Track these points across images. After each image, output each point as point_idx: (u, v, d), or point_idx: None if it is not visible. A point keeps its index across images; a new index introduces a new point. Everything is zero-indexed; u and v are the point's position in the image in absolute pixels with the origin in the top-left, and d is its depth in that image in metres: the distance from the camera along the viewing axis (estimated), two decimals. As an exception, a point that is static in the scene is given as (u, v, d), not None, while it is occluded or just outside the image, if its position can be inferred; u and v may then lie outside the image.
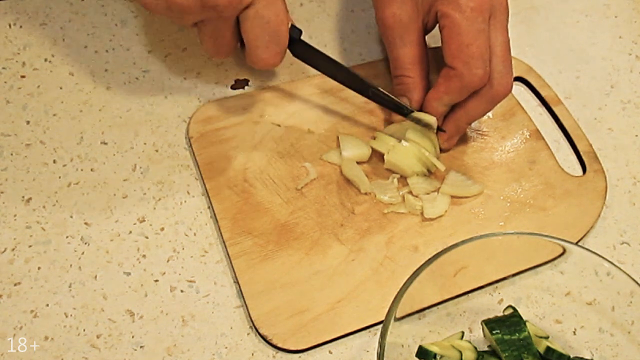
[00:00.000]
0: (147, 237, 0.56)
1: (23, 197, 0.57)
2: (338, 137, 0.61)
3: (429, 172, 0.60)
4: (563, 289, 0.55)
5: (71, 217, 0.56)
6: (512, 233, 0.53)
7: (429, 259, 0.49)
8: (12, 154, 0.59)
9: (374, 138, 0.61)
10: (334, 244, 0.56)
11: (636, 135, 0.66)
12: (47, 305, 0.52)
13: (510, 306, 0.52)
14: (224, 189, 0.57)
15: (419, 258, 0.55)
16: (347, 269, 0.55)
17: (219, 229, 0.56)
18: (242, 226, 0.56)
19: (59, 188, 0.57)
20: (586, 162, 0.63)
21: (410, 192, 0.59)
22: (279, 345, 0.51)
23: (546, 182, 0.61)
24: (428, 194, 0.58)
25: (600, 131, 0.66)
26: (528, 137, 0.63)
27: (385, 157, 0.59)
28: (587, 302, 0.54)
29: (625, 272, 0.50)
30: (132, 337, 0.52)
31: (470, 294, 0.55)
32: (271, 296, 0.53)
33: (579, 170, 0.63)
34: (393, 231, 0.57)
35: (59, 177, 0.58)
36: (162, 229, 0.56)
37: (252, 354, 0.52)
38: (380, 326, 0.47)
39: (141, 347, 0.51)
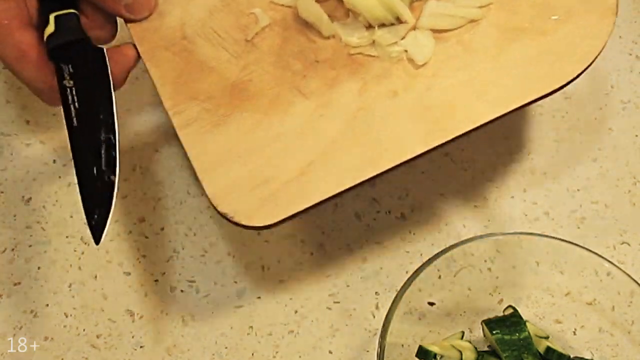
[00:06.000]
0: (147, 237, 0.56)
1: (23, 197, 0.57)
2: None
3: (398, 21, 0.50)
4: (563, 289, 0.55)
5: (71, 217, 0.56)
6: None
7: (429, 259, 0.49)
8: (12, 154, 0.59)
9: None
10: (296, 100, 0.48)
11: (636, 135, 0.66)
12: (47, 305, 0.52)
13: (510, 306, 0.52)
14: (160, 51, 0.49)
15: (399, 104, 0.48)
16: (315, 127, 0.48)
17: (160, 97, 0.49)
18: (186, 91, 0.48)
19: (59, 188, 0.57)
20: None
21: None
22: (243, 222, 0.45)
23: (544, 1, 0.51)
24: (392, 44, 0.50)
25: (600, 131, 0.66)
26: None
27: None
28: (587, 302, 0.54)
29: (625, 272, 0.50)
30: (132, 337, 0.52)
31: (470, 295, 0.55)
32: (228, 168, 0.46)
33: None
34: (366, 77, 0.49)
35: (59, 177, 0.58)
36: (162, 229, 0.56)
37: (252, 354, 0.52)
38: (352, 192, 0.44)
39: (141, 347, 0.51)
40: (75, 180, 0.58)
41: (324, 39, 0.50)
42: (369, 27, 0.50)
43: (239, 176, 0.46)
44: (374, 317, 0.55)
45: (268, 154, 0.47)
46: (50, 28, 0.46)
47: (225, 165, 0.46)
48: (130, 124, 0.61)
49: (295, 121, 0.48)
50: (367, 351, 0.53)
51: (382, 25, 0.50)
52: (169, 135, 0.61)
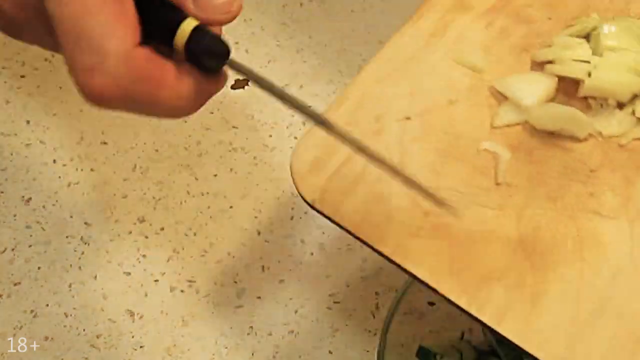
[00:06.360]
0: (147, 237, 0.56)
1: (23, 197, 0.57)
2: (495, 87, 0.44)
3: None
4: (563, 289, 0.55)
5: (71, 217, 0.56)
6: None
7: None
8: (12, 154, 0.59)
9: (546, 63, 0.44)
10: (604, 227, 0.40)
11: (636, 135, 0.66)
12: (47, 305, 0.52)
13: (510, 306, 0.52)
14: (409, 241, 0.40)
15: None
16: None
17: (441, 293, 0.39)
18: (472, 276, 0.39)
19: (59, 188, 0.57)
20: None
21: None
22: None
23: None
24: None
25: (600, 131, 0.66)
26: None
27: (585, 81, 0.42)
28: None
29: (625, 272, 0.49)
30: (132, 337, 0.52)
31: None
32: (582, 341, 0.37)
33: None
34: None
35: (59, 177, 0.58)
36: (162, 229, 0.56)
37: (252, 354, 0.52)
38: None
39: (141, 347, 0.51)
40: (75, 181, 0.58)
41: (580, 142, 0.43)
42: (619, 106, 0.44)
43: (609, 347, 0.37)
44: (374, 317, 0.55)
45: (617, 304, 0.38)
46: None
47: (577, 340, 0.37)
48: (130, 123, 0.61)
49: (622, 251, 0.39)
50: (367, 351, 0.53)
51: (633, 98, 0.43)
52: (169, 134, 0.61)
